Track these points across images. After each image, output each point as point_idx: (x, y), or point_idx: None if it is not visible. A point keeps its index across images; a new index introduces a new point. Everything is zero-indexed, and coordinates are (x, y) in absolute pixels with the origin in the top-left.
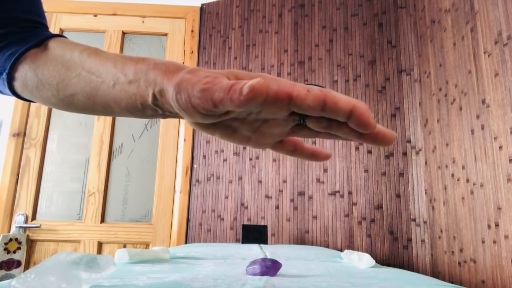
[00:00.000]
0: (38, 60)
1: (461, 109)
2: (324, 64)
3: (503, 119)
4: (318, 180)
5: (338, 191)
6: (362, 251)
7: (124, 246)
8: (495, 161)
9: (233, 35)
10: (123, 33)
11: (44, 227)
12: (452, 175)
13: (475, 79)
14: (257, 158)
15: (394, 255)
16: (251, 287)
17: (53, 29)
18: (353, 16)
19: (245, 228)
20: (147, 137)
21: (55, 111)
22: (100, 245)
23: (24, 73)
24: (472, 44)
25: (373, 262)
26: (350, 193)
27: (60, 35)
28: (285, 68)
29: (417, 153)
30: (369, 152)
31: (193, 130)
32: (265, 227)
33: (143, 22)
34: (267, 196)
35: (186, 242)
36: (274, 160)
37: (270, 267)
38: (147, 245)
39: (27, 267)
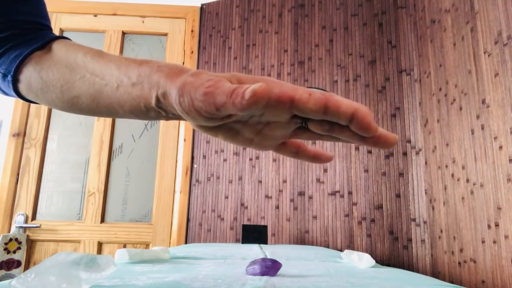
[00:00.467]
0: (43, 62)
1: (461, 109)
2: (324, 64)
3: (503, 119)
4: (318, 180)
5: (338, 191)
6: (362, 251)
7: (124, 246)
8: (495, 161)
9: (233, 35)
10: (123, 33)
11: (44, 227)
12: (452, 175)
13: (475, 79)
14: (257, 158)
15: (394, 255)
16: (251, 287)
17: (53, 29)
18: (353, 16)
19: (245, 228)
20: (147, 137)
21: (55, 111)
22: (100, 245)
23: (29, 76)
24: (472, 44)
25: (373, 262)
26: (350, 193)
27: (64, 37)
28: (285, 68)
29: (417, 153)
30: (369, 152)
31: (193, 130)
32: (265, 227)
33: (143, 22)
34: (267, 196)
35: (186, 242)
36: (274, 160)
37: (270, 267)
38: (147, 245)
39: (27, 267)
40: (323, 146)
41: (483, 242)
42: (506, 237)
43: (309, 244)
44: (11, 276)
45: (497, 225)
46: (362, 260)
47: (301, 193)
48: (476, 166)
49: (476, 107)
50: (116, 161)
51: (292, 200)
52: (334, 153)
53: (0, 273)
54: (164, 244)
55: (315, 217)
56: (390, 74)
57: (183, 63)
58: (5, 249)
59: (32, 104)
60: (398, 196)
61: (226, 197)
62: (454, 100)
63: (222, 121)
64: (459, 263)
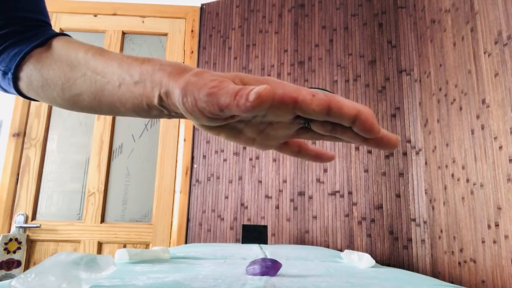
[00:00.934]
0: (43, 60)
1: (461, 109)
2: (324, 64)
3: (503, 119)
4: (318, 180)
5: (338, 191)
6: (362, 251)
7: (124, 246)
8: (495, 161)
9: (233, 35)
10: (123, 33)
11: (44, 227)
12: (452, 175)
13: (475, 79)
14: (257, 158)
15: (394, 255)
16: (251, 287)
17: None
18: (353, 16)
19: (245, 228)
20: (147, 137)
21: (55, 111)
22: (100, 245)
23: (29, 73)
24: (472, 44)
25: (373, 262)
26: (350, 193)
27: (64, 34)
28: (285, 68)
29: (417, 153)
30: (369, 152)
31: (193, 130)
32: (265, 227)
33: (143, 22)
34: (267, 196)
35: (186, 242)
36: (274, 160)
37: (270, 267)
38: (147, 245)
39: (27, 267)
40: (324, 146)
41: (483, 242)
42: (506, 237)
43: (309, 244)
44: (11, 276)
45: (497, 225)
46: (362, 260)
47: (301, 193)
48: (476, 166)
49: (476, 107)
50: (116, 161)
51: (292, 200)
52: (334, 153)
53: (0, 273)
54: (164, 244)
55: (315, 217)
56: (390, 74)
57: (183, 63)
58: (5, 249)
59: (32, 104)
60: (398, 196)
61: (226, 197)
62: (454, 100)
63: (225, 121)
64: (459, 263)
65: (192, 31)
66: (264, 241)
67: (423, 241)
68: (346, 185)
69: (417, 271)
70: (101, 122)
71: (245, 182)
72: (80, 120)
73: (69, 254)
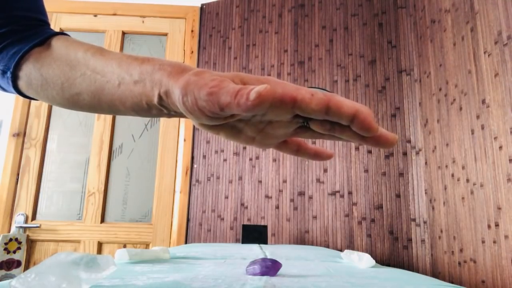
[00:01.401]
0: (42, 59)
1: (461, 109)
2: (324, 64)
3: (503, 119)
4: (318, 180)
5: (338, 191)
6: (362, 251)
7: (124, 246)
8: (495, 161)
9: (233, 35)
10: (123, 33)
11: (44, 227)
12: (452, 175)
13: (475, 79)
14: (257, 158)
15: (394, 255)
16: (251, 287)
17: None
18: (353, 16)
19: (245, 228)
20: (147, 137)
21: (55, 111)
22: (100, 245)
23: (29, 72)
24: (472, 44)
25: (373, 262)
26: (350, 193)
27: (63, 33)
28: (285, 68)
29: (417, 153)
30: (369, 152)
31: (193, 130)
32: (265, 227)
33: (143, 22)
34: (267, 196)
35: (186, 242)
36: (274, 160)
37: (270, 267)
38: (147, 245)
39: (27, 267)
40: (323, 145)
41: (483, 242)
42: (506, 237)
43: (309, 244)
44: (11, 276)
45: (497, 225)
46: (362, 260)
47: (301, 193)
48: (476, 166)
49: (476, 107)
50: (116, 161)
51: (292, 200)
52: (334, 152)
53: (0, 273)
54: (164, 244)
55: (315, 217)
56: (390, 74)
57: (183, 63)
58: (5, 249)
59: (32, 104)
60: (398, 196)
61: (226, 197)
62: (454, 100)
63: (225, 121)
64: (459, 263)
65: (192, 31)
66: (264, 241)
67: (423, 241)
68: (346, 185)
69: (417, 271)
70: (101, 122)
71: (245, 182)
72: (80, 120)
73: (69, 254)
